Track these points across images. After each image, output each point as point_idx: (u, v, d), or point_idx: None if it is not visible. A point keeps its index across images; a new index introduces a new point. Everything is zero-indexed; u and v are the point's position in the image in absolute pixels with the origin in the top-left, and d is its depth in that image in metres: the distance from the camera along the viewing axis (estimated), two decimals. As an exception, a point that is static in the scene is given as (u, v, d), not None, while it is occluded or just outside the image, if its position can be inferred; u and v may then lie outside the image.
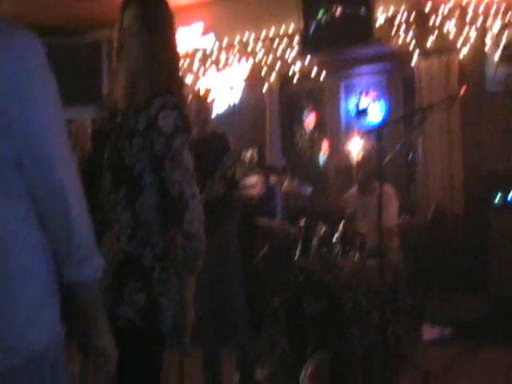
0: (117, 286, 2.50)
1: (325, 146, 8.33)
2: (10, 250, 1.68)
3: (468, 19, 7.06)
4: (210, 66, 8.49)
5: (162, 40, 2.66)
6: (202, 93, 7.30)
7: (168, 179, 2.49)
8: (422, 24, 7.32)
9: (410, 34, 7.36)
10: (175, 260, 2.54)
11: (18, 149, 1.68)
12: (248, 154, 7.85)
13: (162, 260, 2.53)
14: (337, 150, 8.08)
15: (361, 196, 6.57)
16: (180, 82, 2.75)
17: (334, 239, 5.93)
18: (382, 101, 7.79)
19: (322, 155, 8.38)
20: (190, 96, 6.41)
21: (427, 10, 7.25)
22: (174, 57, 2.73)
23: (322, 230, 6.04)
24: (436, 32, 7.23)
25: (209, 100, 6.24)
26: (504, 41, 6.89)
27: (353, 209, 6.60)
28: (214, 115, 7.56)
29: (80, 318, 1.87)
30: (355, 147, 7.61)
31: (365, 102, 7.78)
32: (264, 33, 8.20)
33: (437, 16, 7.20)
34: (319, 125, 8.42)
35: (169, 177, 2.49)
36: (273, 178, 6.29)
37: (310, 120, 8.46)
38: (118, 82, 2.74)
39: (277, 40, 8.11)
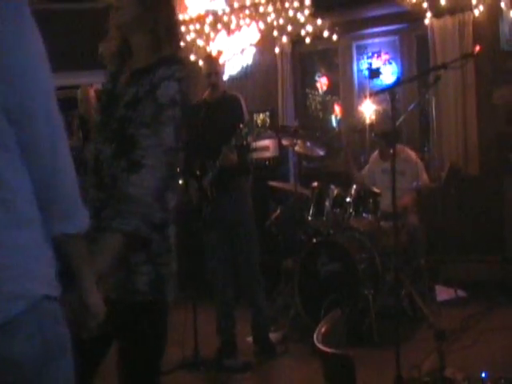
0: (123, 262, 2.40)
1: (337, 108, 8.26)
2: (8, 198, 1.69)
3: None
4: (220, 29, 8.41)
5: (161, 11, 2.52)
6: (213, 55, 7.23)
7: (139, 144, 2.35)
8: (435, -18, 7.20)
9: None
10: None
11: (7, 100, 1.67)
12: (260, 117, 7.85)
13: (160, 231, 2.45)
14: (350, 111, 8.02)
15: (381, 159, 6.52)
16: (179, 41, 2.60)
17: (348, 200, 5.91)
18: (394, 62, 7.70)
19: (335, 118, 8.31)
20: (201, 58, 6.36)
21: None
22: (173, 10, 2.58)
23: (335, 191, 6.02)
24: (450, -10, 7.10)
25: (220, 62, 6.18)
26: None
27: (371, 170, 6.60)
28: (226, 77, 7.52)
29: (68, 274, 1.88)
30: (368, 108, 7.54)
31: (378, 63, 7.69)
32: (275, -5, 8.09)
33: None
34: (332, 87, 8.36)
35: (140, 141, 2.35)
36: (285, 140, 6.25)
37: (322, 82, 8.39)
38: (111, 42, 2.59)
39: (287, 1, 8.00)
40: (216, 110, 5.45)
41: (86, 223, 1.84)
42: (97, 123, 2.59)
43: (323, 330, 2.06)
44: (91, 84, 6.86)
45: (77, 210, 1.81)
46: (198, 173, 5.35)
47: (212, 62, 5.69)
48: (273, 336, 5.61)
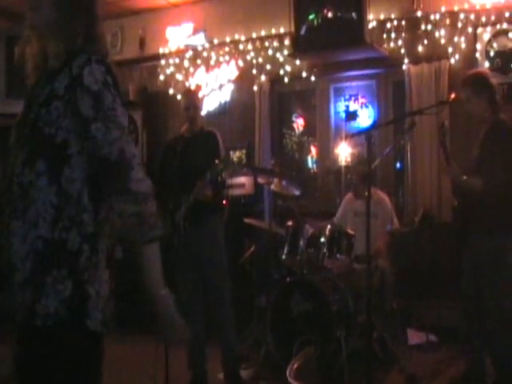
0: (37, 279, 2.13)
1: (314, 149, 8.32)
2: None
3: (459, 26, 7.08)
4: (200, 65, 8.47)
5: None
6: (192, 89, 7.27)
7: (103, 141, 2.17)
8: (412, 30, 7.34)
9: (401, 39, 7.37)
10: (119, 232, 2.24)
11: None
12: (237, 154, 7.87)
13: (92, 242, 2.21)
14: (326, 153, 8.08)
15: (355, 200, 6.55)
16: (100, 39, 2.39)
17: (322, 240, 5.94)
18: (371, 106, 7.79)
19: (311, 158, 8.37)
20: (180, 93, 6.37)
21: (418, 16, 7.25)
22: (93, 8, 2.37)
23: (310, 231, 6.05)
24: (427, 38, 7.25)
25: (199, 97, 6.21)
26: (494, 49, 6.91)
27: (344, 212, 6.63)
28: (204, 113, 7.57)
29: None
30: (344, 150, 7.61)
31: (355, 106, 7.78)
32: (255, 34, 8.19)
33: (428, 22, 7.22)
34: (308, 127, 8.40)
35: (104, 138, 2.17)
36: (261, 178, 6.28)
37: (299, 123, 8.46)
38: (27, 48, 2.38)
39: (267, 41, 8.10)
40: (192, 145, 5.46)
41: None
42: (12, 140, 2.33)
43: (296, 365, 2.07)
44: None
45: None
46: (171, 207, 5.34)
47: (191, 96, 5.71)
48: (244, 373, 5.57)
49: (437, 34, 7.20)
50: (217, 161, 5.10)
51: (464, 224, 4.97)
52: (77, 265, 2.16)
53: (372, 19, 7.39)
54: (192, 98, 5.65)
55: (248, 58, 8.22)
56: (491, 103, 4.91)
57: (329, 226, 6.04)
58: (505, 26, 6.87)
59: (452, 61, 7.15)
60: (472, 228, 4.86)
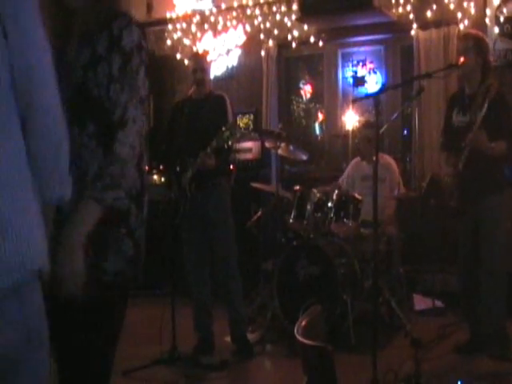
0: (98, 236, 2.14)
1: (321, 116, 8.30)
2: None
3: (469, -9, 7.02)
4: (207, 29, 8.42)
5: None
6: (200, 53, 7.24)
7: (114, 100, 2.19)
8: (422, -5, 7.29)
9: (410, 4, 7.31)
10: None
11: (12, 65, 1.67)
12: (244, 119, 7.85)
13: (137, 200, 2.27)
14: (333, 118, 8.05)
15: (362, 164, 6.54)
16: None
17: (329, 205, 5.94)
18: (379, 72, 7.75)
19: (319, 125, 8.35)
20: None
21: (428, -20, 7.20)
22: None
23: (317, 195, 6.05)
24: (436, 3, 7.18)
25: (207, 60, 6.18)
26: (504, 15, 6.85)
27: (351, 176, 6.62)
28: (211, 78, 7.53)
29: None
30: (352, 117, 7.59)
31: (362, 72, 7.73)
32: (262, -2, 8.13)
33: (437, -13, 7.16)
34: (316, 93, 8.37)
35: (116, 97, 2.19)
36: (268, 143, 6.26)
37: (306, 90, 8.42)
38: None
39: (275, 5, 8.05)
40: (201, 108, 5.43)
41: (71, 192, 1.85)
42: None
43: (303, 323, 2.07)
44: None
45: (68, 177, 1.82)
46: (177, 169, 5.34)
47: (198, 59, 5.67)
48: (250, 336, 5.59)
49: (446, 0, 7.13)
50: (223, 128, 5.08)
51: (468, 187, 5.00)
52: (130, 224, 2.25)
53: (381, -17, 7.32)
54: (200, 61, 5.62)
55: (255, 22, 8.16)
56: (485, 66, 5.02)
57: (336, 191, 6.04)
58: (515, -10, 6.80)
59: (461, 26, 7.07)
60: (482, 188, 4.94)
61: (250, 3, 8.16)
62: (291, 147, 6.24)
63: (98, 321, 2.23)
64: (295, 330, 1.99)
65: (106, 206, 2.10)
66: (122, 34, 2.22)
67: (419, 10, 7.27)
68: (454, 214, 5.22)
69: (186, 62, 7.10)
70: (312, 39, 7.83)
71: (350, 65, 7.88)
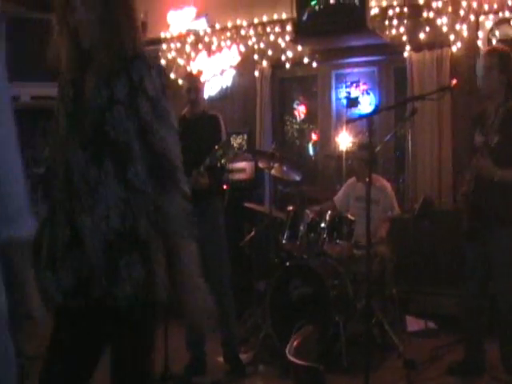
0: (110, 264, 2.36)
1: (314, 136, 8.32)
2: None
3: (461, 14, 7.06)
4: (201, 49, 8.45)
5: (120, 9, 2.47)
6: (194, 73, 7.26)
7: (160, 142, 2.44)
8: (414, 17, 7.32)
9: (403, 26, 7.36)
10: (173, 224, 2.46)
11: None
12: (237, 139, 7.86)
13: (157, 227, 2.44)
14: (327, 139, 8.07)
15: (357, 184, 6.56)
16: (140, 38, 2.54)
17: (322, 225, 5.94)
18: (372, 93, 7.78)
19: (312, 145, 8.37)
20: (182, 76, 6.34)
21: (420, 3, 7.24)
22: (131, 5, 2.51)
23: (310, 216, 6.05)
24: (429, 25, 7.23)
25: (200, 80, 6.20)
26: (496, 38, 6.90)
27: (346, 196, 6.63)
28: (205, 97, 7.55)
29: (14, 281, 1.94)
30: (345, 138, 7.61)
31: (356, 93, 7.76)
32: (257, 19, 8.17)
33: (430, 10, 7.20)
34: (310, 114, 8.39)
35: (160, 139, 2.44)
36: (262, 163, 6.27)
37: (300, 110, 8.45)
38: (63, 42, 2.49)
39: (269, 26, 8.09)
40: (194, 127, 5.43)
41: (32, 229, 1.91)
42: (62, 132, 2.51)
43: (295, 344, 2.08)
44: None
45: (23, 214, 1.86)
46: None
47: (192, 79, 5.70)
48: (243, 357, 5.57)
49: (439, 22, 7.17)
50: (216, 146, 5.09)
51: (476, 213, 4.87)
52: (148, 250, 2.40)
53: (374, 6, 7.36)
54: (193, 81, 5.64)
55: (250, 43, 8.19)
56: (507, 86, 4.83)
57: (329, 212, 6.06)
58: (507, 14, 6.83)
59: (454, 48, 7.13)
60: (489, 218, 4.78)
61: (245, 24, 8.20)
62: (284, 168, 6.25)
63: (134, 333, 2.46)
64: (287, 351, 1.99)
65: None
66: (143, 82, 2.40)
67: (412, 32, 7.32)
68: (464, 238, 5.08)
69: (180, 81, 7.10)
70: (306, 60, 7.87)
71: (344, 86, 7.91)
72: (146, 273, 2.38)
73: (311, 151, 8.40)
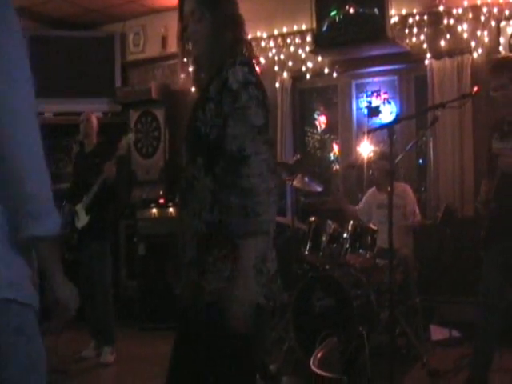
0: (201, 258, 2.47)
1: (336, 147, 8.30)
2: None
3: (482, 20, 7.04)
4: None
5: (225, 18, 2.65)
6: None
7: (229, 136, 2.41)
8: (434, 25, 7.31)
9: (423, 34, 7.35)
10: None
11: None
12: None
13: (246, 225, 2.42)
14: (348, 149, 8.06)
15: (378, 193, 6.55)
16: (247, 51, 2.68)
17: (344, 236, 5.93)
18: (393, 102, 7.76)
19: (334, 156, 8.35)
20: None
21: (440, 10, 7.21)
22: (238, 31, 2.68)
23: (332, 227, 6.04)
24: (449, 33, 7.21)
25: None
26: (517, 43, 6.86)
27: (367, 205, 6.63)
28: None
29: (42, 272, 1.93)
30: (366, 147, 7.59)
31: (377, 102, 7.75)
32: (276, 31, 8.20)
33: (450, 17, 7.18)
34: (330, 125, 8.38)
35: (231, 132, 2.41)
36: (283, 175, 6.27)
37: (321, 121, 8.44)
38: (191, 70, 2.76)
39: (289, 37, 8.12)
40: None
41: (57, 226, 1.87)
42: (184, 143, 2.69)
43: (319, 355, 2.07)
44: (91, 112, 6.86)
45: (47, 212, 1.84)
46: None
47: None
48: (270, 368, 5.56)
49: (459, 29, 7.16)
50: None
51: (496, 220, 4.78)
52: (237, 246, 2.39)
53: (394, 14, 7.35)
54: None
55: (270, 55, 8.23)
56: None
57: (351, 222, 6.04)
58: (529, 19, 6.81)
59: (475, 55, 7.11)
60: (507, 220, 4.68)
61: (265, 35, 8.23)
62: (306, 179, 6.27)
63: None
64: (311, 362, 1.99)
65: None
66: (227, 76, 2.47)
67: (433, 40, 7.31)
68: (482, 246, 4.98)
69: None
70: (326, 71, 7.89)
71: (365, 95, 7.90)
72: (233, 269, 2.40)
73: (333, 161, 8.38)
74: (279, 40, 8.19)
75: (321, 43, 7.44)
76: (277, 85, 8.18)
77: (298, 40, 8.06)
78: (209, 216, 2.47)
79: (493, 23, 7.02)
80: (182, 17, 2.75)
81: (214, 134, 2.48)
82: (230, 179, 2.39)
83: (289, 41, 8.14)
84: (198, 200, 2.50)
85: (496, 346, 4.90)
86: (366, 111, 7.72)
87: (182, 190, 2.60)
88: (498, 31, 7.01)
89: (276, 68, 8.21)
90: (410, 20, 7.41)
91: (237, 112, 2.41)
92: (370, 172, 7.06)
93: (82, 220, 6.17)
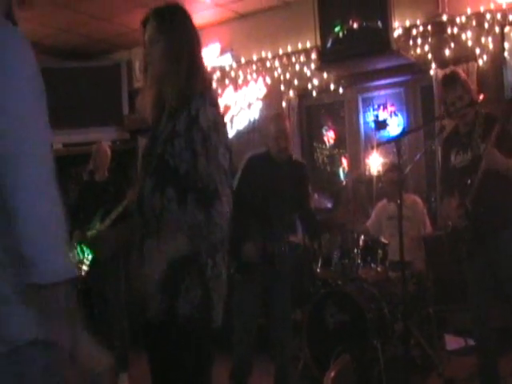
0: (172, 286, 2.53)
1: (345, 161, 8.29)
2: None
3: (486, 27, 7.01)
4: (228, 84, 8.52)
5: (181, 41, 2.71)
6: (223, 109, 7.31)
7: (202, 173, 2.54)
8: (438, 34, 7.29)
9: (427, 44, 7.33)
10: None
11: None
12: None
13: (214, 254, 2.58)
14: (357, 163, 8.05)
15: (388, 205, 6.53)
16: (206, 79, 2.79)
17: (356, 251, 5.90)
18: (400, 114, 7.74)
19: (343, 171, 8.33)
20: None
21: (444, 19, 7.20)
22: (195, 56, 2.75)
23: (343, 242, 6.03)
24: (453, 41, 7.19)
25: (228, 117, 6.18)
26: (522, 48, 6.82)
27: (378, 218, 6.60)
28: (233, 132, 7.59)
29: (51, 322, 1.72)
30: (375, 160, 7.57)
31: (384, 115, 7.73)
32: (281, 50, 8.23)
33: (454, 25, 7.17)
34: (339, 140, 8.38)
35: (205, 171, 2.53)
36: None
37: (329, 136, 8.43)
38: (146, 93, 2.82)
39: (294, 56, 8.14)
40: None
41: (61, 269, 1.67)
42: (140, 168, 2.79)
43: (332, 374, 2.06)
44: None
45: (46, 257, 1.65)
46: None
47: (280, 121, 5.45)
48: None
49: (463, 37, 7.14)
50: None
51: (477, 223, 4.75)
52: (205, 275, 2.56)
53: (397, 26, 7.35)
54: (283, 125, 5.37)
55: (275, 74, 8.27)
56: (472, 101, 4.88)
57: (362, 237, 6.02)
58: (533, 23, 6.78)
59: (480, 62, 7.07)
60: (489, 223, 4.66)
61: (270, 55, 8.28)
62: (316, 195, 6.24)
63: (179, 352, 2.59)
64: (324, 381, 1.98)
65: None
66: (198, 114, 2.58)
67: (437, 50, 7.30)
68: (465, 258, 4.94)
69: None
70: (332, 87, 7.89)
71: (371, 109, 7.91)
72: (203, 297, 2.56)
73: (342, 176, 8.36)
74: (284, 59, 8.23)
75: (326, 59, 7.45)
76: (283, 104, 8.21)
77: (303, 58, 8.09)
78: (184, 247, 2.53)
79: (497, 29, 6.98)
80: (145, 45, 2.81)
81: (183, 168, 2.58)
82: (203, 214, 2.51)
83: (294, 59, 8.16)
84: (169, 231, 2.55)
85: (497, 356, 4.83)
86: (373, 125, 7.70)
87: (147, 217, 2.65)
88: (503, 37, 6.97)
89: (282, 87, 8.24)
90: (414, 31, 7.39)
91: (208, 152, 2.54)
92: (380, 185, 7.03)
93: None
